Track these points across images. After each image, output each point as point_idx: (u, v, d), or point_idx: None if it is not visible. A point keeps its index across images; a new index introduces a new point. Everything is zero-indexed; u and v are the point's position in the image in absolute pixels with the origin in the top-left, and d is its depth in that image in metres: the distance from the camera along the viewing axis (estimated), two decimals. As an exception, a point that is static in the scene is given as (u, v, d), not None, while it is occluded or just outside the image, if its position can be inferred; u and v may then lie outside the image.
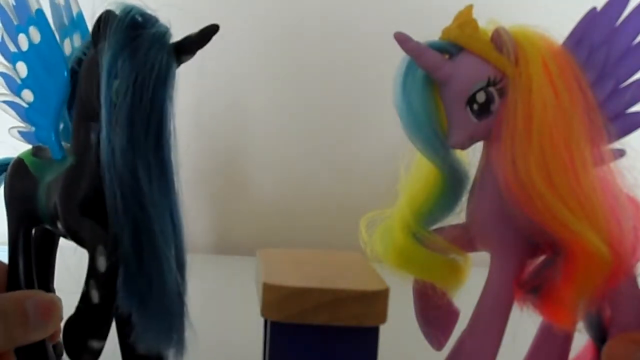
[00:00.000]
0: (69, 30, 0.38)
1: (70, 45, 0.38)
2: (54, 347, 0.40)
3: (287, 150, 0.83)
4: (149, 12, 0.33)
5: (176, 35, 0.33)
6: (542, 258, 0.34)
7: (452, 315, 0.36)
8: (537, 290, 0.33)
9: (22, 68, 0.37)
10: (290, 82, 0.82)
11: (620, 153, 0.33)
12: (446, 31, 0.33)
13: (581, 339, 0.35)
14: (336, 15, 0.80)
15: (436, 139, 0.33)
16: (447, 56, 0.32)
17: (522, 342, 0.36)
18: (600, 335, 0.34)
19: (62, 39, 0.37)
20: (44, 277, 0.41)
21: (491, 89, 0.32)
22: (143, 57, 0.31)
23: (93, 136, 0.34)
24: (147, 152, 0.32)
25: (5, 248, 0.38)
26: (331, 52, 0.80)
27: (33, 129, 0.37)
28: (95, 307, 0.33)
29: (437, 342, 0.36)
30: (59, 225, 0.36)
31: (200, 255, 0.75)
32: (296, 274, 0.34)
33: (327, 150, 0.82)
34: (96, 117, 0.33)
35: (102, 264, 0.32)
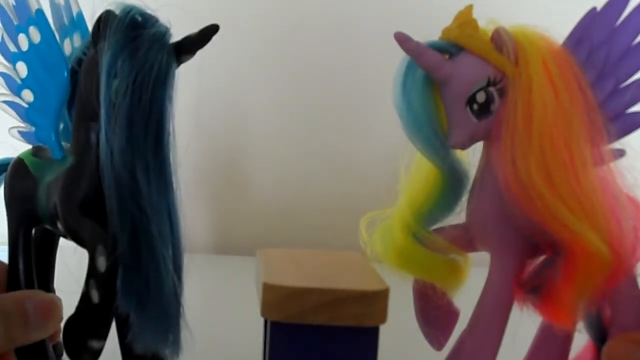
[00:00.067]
0: (69, 30, 0.38)
1: (70, 45, 0.38)
2: (54, 347, 0.40)
3: (287, 150, 0.83)
4: (149, 12, 0.33)
5: (176, 35, 0.33)
6: (542, 258, 0.34)
7: (452, 315, 0.36)
8: (537, 290, 0.33)
9: (22, 68, 0.37)
10: (290, 82, 0.82)
11: (620, 153, 0.33)
12: (446, 31, 0.33)
13: (581, 339, 0.35)
14: (336, 15, 0.80)
15: (436, 139, 0.33)
16: (447, 56, 0.32)
17: (522, 342, 0.36)
18: (600, 335, 0.34)
19: (62, 39, 0.37)
20: (44, 277, 0.41)
21: (491, 89, 0.31)
22: (143, 57, 0.31)
23: (93, 136, 0.34)
24: (146, 153, 0.32)
25: (5, 248, 0.38)
26: (331, 52, 0.80)
27: (33, 129, 0.37)
28: (95, 307, 0.33)
29: (437, 342, 0.36)
30: (59, 225, 0.36)
31: (200, 255, 0.75)
32: (296, 274, 0.34)
33: (327, 150, 0.82)
34: (96, 117, 0.33)
35: (102, 264, 0.32)
